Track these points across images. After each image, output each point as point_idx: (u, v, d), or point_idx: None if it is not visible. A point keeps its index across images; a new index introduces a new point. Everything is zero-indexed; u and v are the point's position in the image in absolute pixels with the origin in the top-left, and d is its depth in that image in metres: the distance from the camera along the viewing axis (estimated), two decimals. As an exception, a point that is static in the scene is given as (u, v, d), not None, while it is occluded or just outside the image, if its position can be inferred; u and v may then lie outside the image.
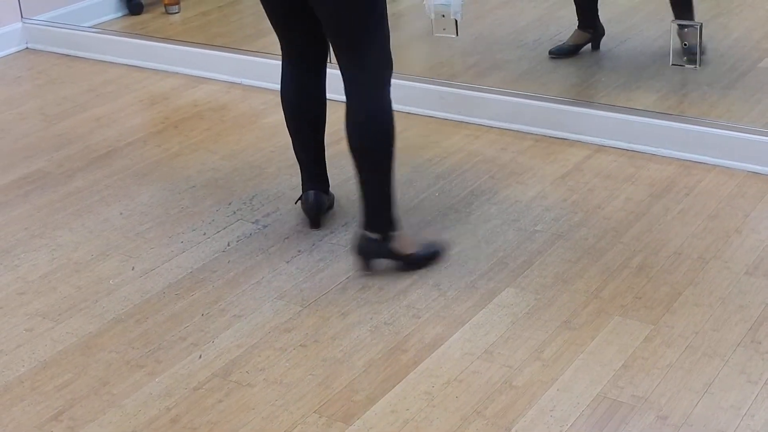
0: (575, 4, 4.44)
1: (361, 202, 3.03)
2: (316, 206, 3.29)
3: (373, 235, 3.02)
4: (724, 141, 3.61)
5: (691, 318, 2.80)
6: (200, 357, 2.75)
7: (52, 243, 3.34)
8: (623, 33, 4.47)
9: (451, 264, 3.10)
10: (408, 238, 3.08)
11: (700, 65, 3.92)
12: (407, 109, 4.11)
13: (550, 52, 4.43)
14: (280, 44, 3.20)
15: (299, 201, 3.34)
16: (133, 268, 3.17)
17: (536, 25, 4.88)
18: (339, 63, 2.97)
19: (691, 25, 3.88)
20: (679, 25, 3.94)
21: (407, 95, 4.13)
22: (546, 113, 3.91)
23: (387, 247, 3.03)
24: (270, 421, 2.50)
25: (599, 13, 4.40)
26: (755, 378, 2.56)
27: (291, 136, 3.30)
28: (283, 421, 2.50)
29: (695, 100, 4.01)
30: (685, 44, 3.90)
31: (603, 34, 4.45)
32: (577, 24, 4.43)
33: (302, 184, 3.32)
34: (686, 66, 3.97)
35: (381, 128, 2.95)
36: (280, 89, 3.25)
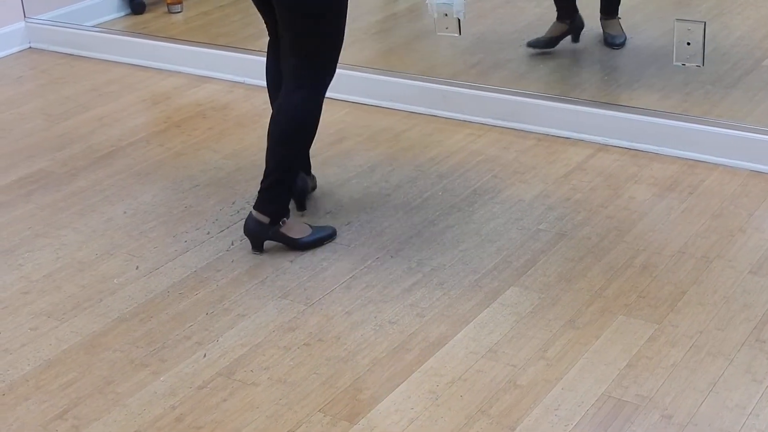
0: None
1: (261, 182, 3.13)
2: (300, 189, 3.34)
3: (263, 218, 3.14)
4: (727, 140, 3.61)
5: (695, 317, 2.80)
6: (204, 356, 2.75)
7: (56, 242, 3.34)
8: (626, 31, 4.47)
9: (455, 263, 3.10)
10: (297, 224, 3.21)
11: (703, 64, 3.92)
12: (410, 108, 4.12)
13: (528, 44, 4.47)
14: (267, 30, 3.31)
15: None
16: (137, 268, 3.17)
17: (538, 24, 4.87)
18: (281, 50, 3.12)
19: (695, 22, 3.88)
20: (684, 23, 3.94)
21: (409, 94, 4.13)
22: (548, 112, 3.91)
23: (275, 231, 3.16)
24: (274, 420, 2.50)
25: (578, 6, 4.46)
26: (760, 377, 2.56)
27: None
28: (288, 420, 2.50)
29: (698, 99, 4.01)
30: (688, 43, 3.89)
31: (582, 26, 4.48)
32: (556, 16, 4.46)
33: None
34: (689, 65, 3.97)
35: (290, 123, 3.08)
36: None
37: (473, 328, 2.80)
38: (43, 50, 5.08)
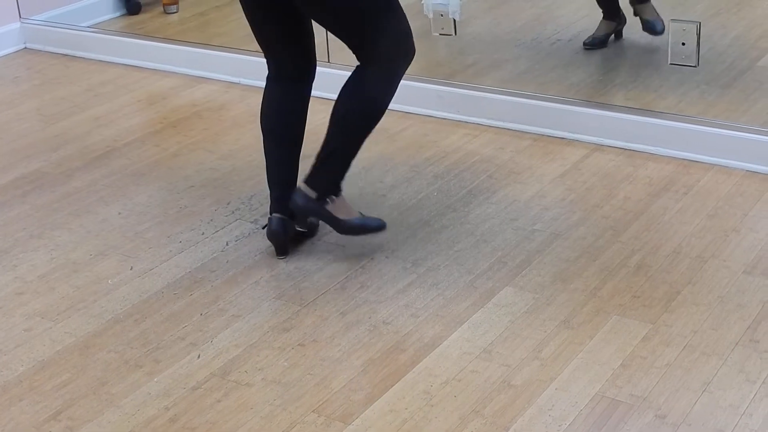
0: None
1: (316, 158, 3.05)
2: (281, 232, 3.12)
3: (312, 193, 3.04)
4: (722, 140, 3.61)
5: (689, 317, 2.80)
6: (199, 357, 2.75)
7: (50, 243, 3.34)
8: (622, 31, 4.47)
9: (450, 263, 3.10)
10: (345, 204, 3.09)
11: (698, 64, 3.92)
12: (405, 108, 4.11)
13: (585, 44, 4.48)
14: (266, 60, 3.15)
15: (265, 227, 3.19)
16: (131, 268, 3.17)
17: (534, 24, 4.88)
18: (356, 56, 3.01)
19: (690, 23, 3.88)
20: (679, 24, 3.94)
21: (405, 94, 4.11)
22: (544, 112, 3.91)
23: (322, 207, 3.05)
24: (268, 421, 2.50)
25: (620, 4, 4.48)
26: (754, 377, 2.56)
27: (265, 154, 3.19)
28: (282, 421, 2.50)
29: (694, 99, 4.01)
30: (683, 43, 3.89)
31: (625, 22, 4.50)
32: (603, 15, 4.47)
33: (269, 207, 3.16)
34: (684, 65, 3.97)
35: (371, 107, 3.00)
36: (261, 106, 3.18)
37: (468, 328, 2.80)
38: (38, 50, 5.08)
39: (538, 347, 2.71)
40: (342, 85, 3.05)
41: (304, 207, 3.06)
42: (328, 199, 3.05)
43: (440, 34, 4.22)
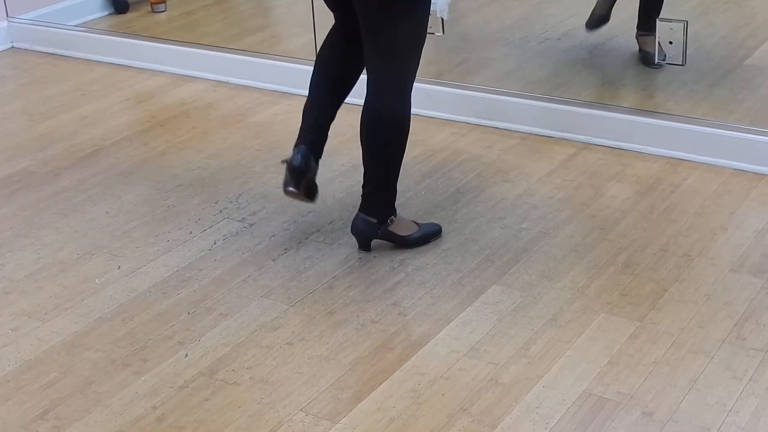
0: None
1: (364, 186, 3.09)
2: (301, 168, 3.11)
3: (372, 219, 3.09)
4: (709, 138, 3.62)
5: (676, 315, 2.81)
6: (186, 356, 2.74)
7: (37, 242, 3.33)
8: (609, 31, 4.48)
9: (438, 262, 3.10)
10: (404, 220, 3.17)
11: (685, 63, 3.93)
12: (394, 107, 4.11)
13: (587, 26, 4.45)
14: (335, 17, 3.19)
15: (283, 161, 3.20)
16: (119, 267, 3.16)
17: (523, 23, 4.88)
18: (366, 58, 3.03)
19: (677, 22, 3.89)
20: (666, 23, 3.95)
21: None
22: (532, 111, 3.91)
23: (385, 230, 3.12)
24: (256, 420, 2.50)
25: None
26: (740, 374, 2.56)
27: (308, 92, 3.21)
28: (270, 420, 2.50)
29: (681, 98, 4.02)
30: (670, 42, 3.90)
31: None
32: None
33: (296, 141, 3.18)
34: (671, 64, 3.98)
35: (394, 123, 3.03)
36: (319, 49, 3.22)
37: (455, 326, 2.81)
38: (25, 50, 5.06)
39: (525, 345, 2.71)
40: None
41: (367, 232, 3.13)
42: (388, 221, 3.12)
43: (428, 33, 4.21)
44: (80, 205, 3.55)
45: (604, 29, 4.46)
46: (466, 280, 3.01)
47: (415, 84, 4.08)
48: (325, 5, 3.15)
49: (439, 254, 3.14)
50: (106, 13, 5.38)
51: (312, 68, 3.23)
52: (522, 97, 3.98)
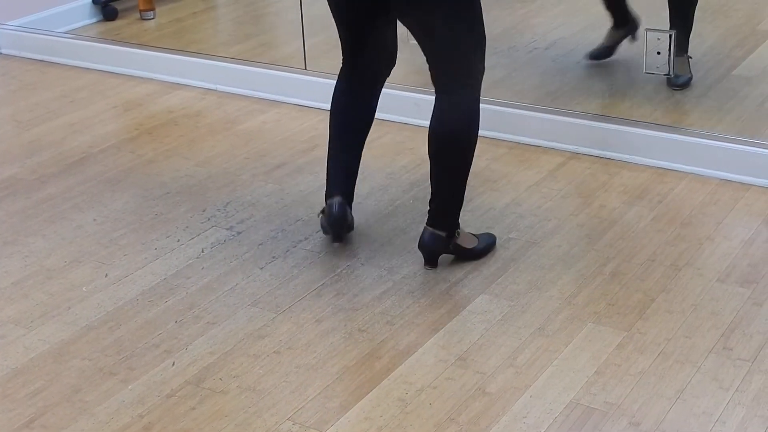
0: (605, 5, 4.40)
1: (432, 200, 3.08)
2: (340, 218, 3.16)
3: (441, 233, 3.07)
4: (697, 148, 3.63)
5: (663, 325, 2.81)
6: (173, 364, 2.74)
7: (24, 250, 3.32)
8: (597, 40, 4.49)
9: (426, 271, 3.10)
10: (466, 234, 3.15)
11: (672, 73, 3.95)
12: (382, 116, 4.09)
13: (590, 56, 4.40)
14: (344, 55, 3.17)
15: (321, 214, 3.26)
16: (106, 275, 3.16)
17: (511, 33, 4.90)
18: (435, 76, 3.01)
19: (664, 33, 3.90)
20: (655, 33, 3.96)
21: (382, 102, 4.11)
22: (520, 120, 3.92)
23: (454, 244, 3.10)
24: (243, 429, 2.50)
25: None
26: (727, 385, 2.57)
27: (329, 145, 3.23)
28: (257, 428, 2.49)
29: (669, 108, 4.04)
30: (658, 52, 3.92)
31: (637, 27, 4.36)
32: (612, 24, 4.39)
33: (326, 194, 3.22)
34: (659, 74, 3.99)
35: (466, 135, 3.01)
36: (333, 94, 3.22)
37: (443, 335, 2.81)
38: (13, 56, 5.05)
39: (513, 355, 2.72)
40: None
41: (437, 247, 3.09)
42: (456, 234, 3.10)
43: (414, 43, 4.22)
44: (67, 213, 3.54)
45: (593, 38, 4.47)
46: (454, 289, 3.01)
47: (403, 93, 4.13)
48: (341, 36, 3.13)
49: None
50: (95, 20, 5.38)
51: (329, 117, 3.22)
52: (510, 107, 3.98)
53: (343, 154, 3.23)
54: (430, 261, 3.12)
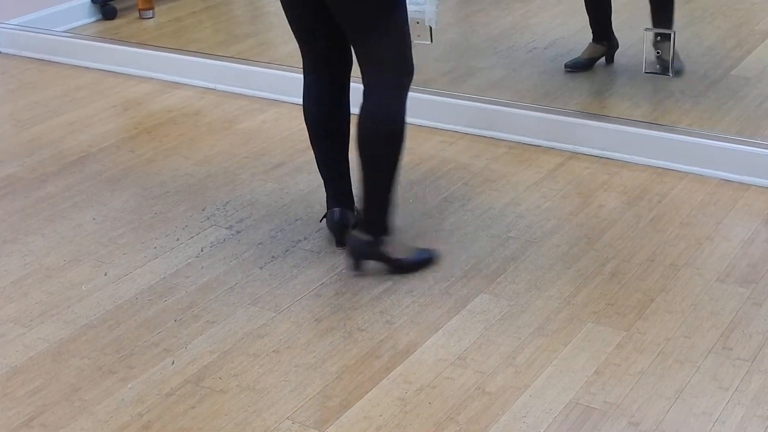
0: (589, 17, 4.42)
1: (359, 202, 3.04)
2: (341, 224, 3.16)
3: (366, 237, 3.03)
4: (696, 148, 3.63)
5: (663, 324, 2.81)
6: (173, 363, 2.74)
7: (23, 248, 3.32)
8: (613, 56, 4.49)
9: (425, 270, 3.10)
10: (399, 243, 3.10)
11: (672, 73, 3.95)
12: (381, 115, 4.11)
13: (566, 66, 4.38)
14: (302, 56, 3.13)
15: (323, 219, 3.26)
16: (105, 274, 3.16)
17: (510, 32, 4.90)
18: (358, 63, 2.97)
19: (665, 33, 3.90)
20: (654, 33, 3.96)
21: (382, 101, 4.13)
22: (520, 120, 3.92)
23: (378, 250, 3.04)
24: (243, 428, 2.50)
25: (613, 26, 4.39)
26: (726, 384, 2.57)
27: (314, 152, 3.22)
28: (256, 428, 2.49)
29: (668, 108, 4.04)
30: (658, 52, 3.92)
31: (617, 47, 4.41)
32: (592, 38, 4.40)
33: (326, 202, 3.22)
34: (659, 74, 3.99)
35: (390, 134, 2.94)
36: (302, 103, 3.17)
37: (442, 335, 2.81)
38: (12, 55, 5.05)
39: (512, 354, 2.72)
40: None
41: (361, 252, 3.05)
42: (382, 241, 3.04)
43: (416, 42, 4.22)
44: (67, 212, 3.54)
45: (591, 37, 4.47)
46: (454, 288, 3.01)
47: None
48: (303, 46, 3.09)
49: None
50: (94, 19, 5.38)
51: (304, 122, 3.18)
52: (510, 106, 3.98)
53: (328, 164, 3.19)
54: (355, 266, 3.07)
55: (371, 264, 3.07)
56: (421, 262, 3.11)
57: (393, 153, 2.95)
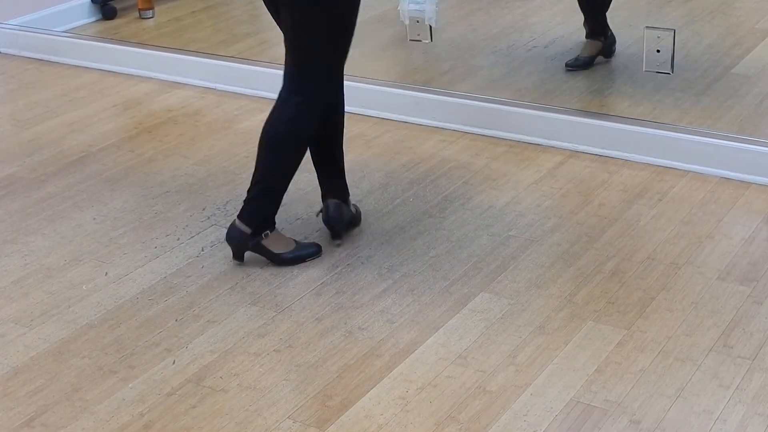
0: (584, 15, 4.42)
1: (248, 192, 3.08)
2: (337, 217, 3.20)
3: (245, 229, 3.07)
4: (696, 147, 3.63)
5: (663, 323, 2.81)
6: (174, 362, 2.74)
7: (24, 248, 3.32)
8: (614, 50, 4.49)
9: (425, 269, 3.10)
10: (281, 238, 3.13)
11: (673, 71, 3.95)
12: (381, 114, 4.12)
13: (567, 65, 4.38)
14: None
15: (320, 213, 3.27)
16: (106, 274, 3.16)
17: (510, 31, 4.90)
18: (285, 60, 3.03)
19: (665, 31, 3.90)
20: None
21: (381, 100, 4.13)
22: (520, 119, 3.92)
23: (256, 242, 3.09)
24: (244, 427, 2.50)
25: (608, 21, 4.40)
26: (727, 382, 2.57)
27: (308, 147, 3.21)
28: (257, 427, 2.49)
29: (668, 106, 4.04)
30: (658, 50, 3.92)
31: (614, 41, 4.42)
32: (586, 35, 4.41)
33: (321, 196, 3.26)
34: (659, 71, 3.99)
35: (283, 132, 3.01)
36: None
37: (443, 334, 2.81)
38: (12, 55, 5.05)
39: (513, 353, 2.72)
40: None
41: (240, 243, 3.10)
42: (263, 234, 3.08)
43: (416, 41, 4.22)
44: (67, 212, 3.54)
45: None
46: (454, 287, 3.01)
47: (402, 91, 4.13)
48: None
49: (427, 261, 3.14)
50: (94, 19, 5.38)
51: None
52: (510, 105, 3.98)
53: (318, 163, 3.23)
54: (236, 255, 3.13)
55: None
56: (300, 257, 3.14)
57: (286, 150, 3.04)
